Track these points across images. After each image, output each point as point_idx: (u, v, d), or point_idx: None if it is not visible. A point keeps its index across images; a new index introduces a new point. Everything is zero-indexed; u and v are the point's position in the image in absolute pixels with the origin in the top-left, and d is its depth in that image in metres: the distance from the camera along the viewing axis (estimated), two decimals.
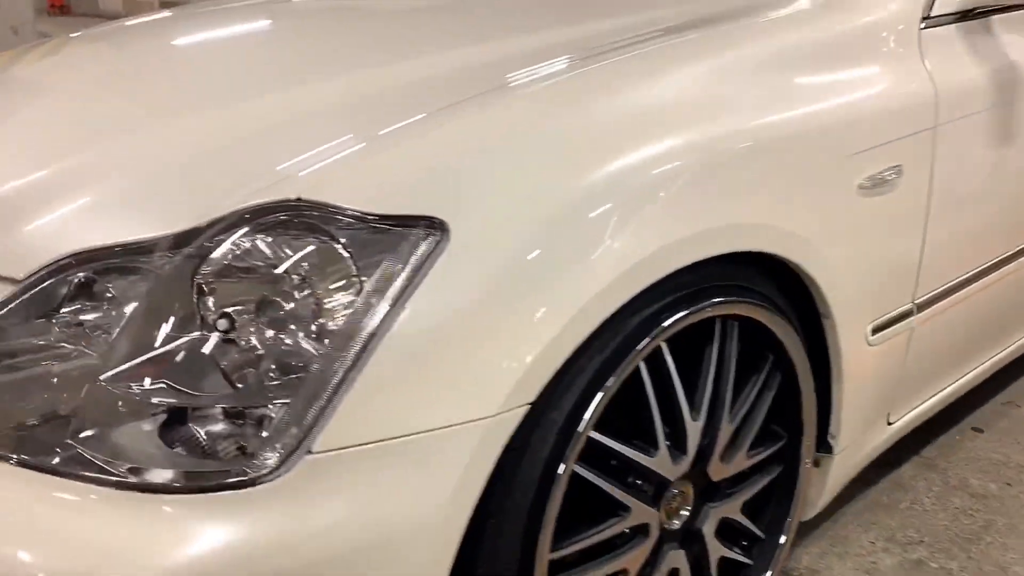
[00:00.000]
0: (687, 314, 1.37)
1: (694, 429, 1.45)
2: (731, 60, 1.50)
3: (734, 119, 1.42)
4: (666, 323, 1.35)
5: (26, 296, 1.21)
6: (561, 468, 1.26)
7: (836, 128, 1.54)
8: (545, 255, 1.20)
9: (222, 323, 1.15)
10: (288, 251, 1.16)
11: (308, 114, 1.44)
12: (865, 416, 1.81)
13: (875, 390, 1.80)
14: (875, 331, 1.71)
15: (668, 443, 1.42)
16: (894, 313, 1.75)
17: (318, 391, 1.11)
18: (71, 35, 2.35)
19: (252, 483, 1.10)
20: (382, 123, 1.30)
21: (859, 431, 1.81)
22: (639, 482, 1.43)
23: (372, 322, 1.13)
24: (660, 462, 1.42)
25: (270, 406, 1.13)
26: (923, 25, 1.73)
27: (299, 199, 1.18)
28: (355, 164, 1.24)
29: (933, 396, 2.04)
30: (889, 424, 1.93)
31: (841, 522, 2.05)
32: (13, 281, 1.22)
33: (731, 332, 1.48)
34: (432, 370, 1.15)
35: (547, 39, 1.63)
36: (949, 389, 2.10)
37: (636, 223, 1.27)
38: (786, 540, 1.71)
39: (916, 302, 1.79)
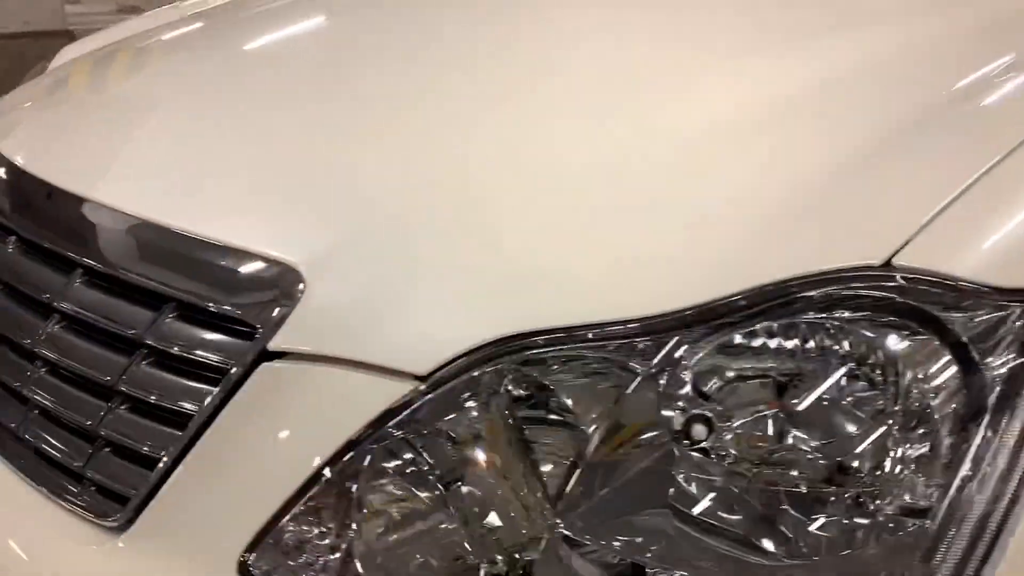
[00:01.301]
0: None
1: None
2: None
3: None
4: None
5: (431, 400, 0.81)
6: None
7: None
8: None
9: (699, 430, 0.78)
10: (866, 345, 0.78)
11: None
12: None
13: None
14: None
15: None
16: None
17: None
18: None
19: None
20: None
21: None
22: None
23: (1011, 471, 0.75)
24: None
25: None
26: None
27: (888, 264, 0.78)
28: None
29: None
30: None
31: None
32: (409, 377, 0.82)
33: None
34: None
35: None
36: None
37: None
38: None
39: None
